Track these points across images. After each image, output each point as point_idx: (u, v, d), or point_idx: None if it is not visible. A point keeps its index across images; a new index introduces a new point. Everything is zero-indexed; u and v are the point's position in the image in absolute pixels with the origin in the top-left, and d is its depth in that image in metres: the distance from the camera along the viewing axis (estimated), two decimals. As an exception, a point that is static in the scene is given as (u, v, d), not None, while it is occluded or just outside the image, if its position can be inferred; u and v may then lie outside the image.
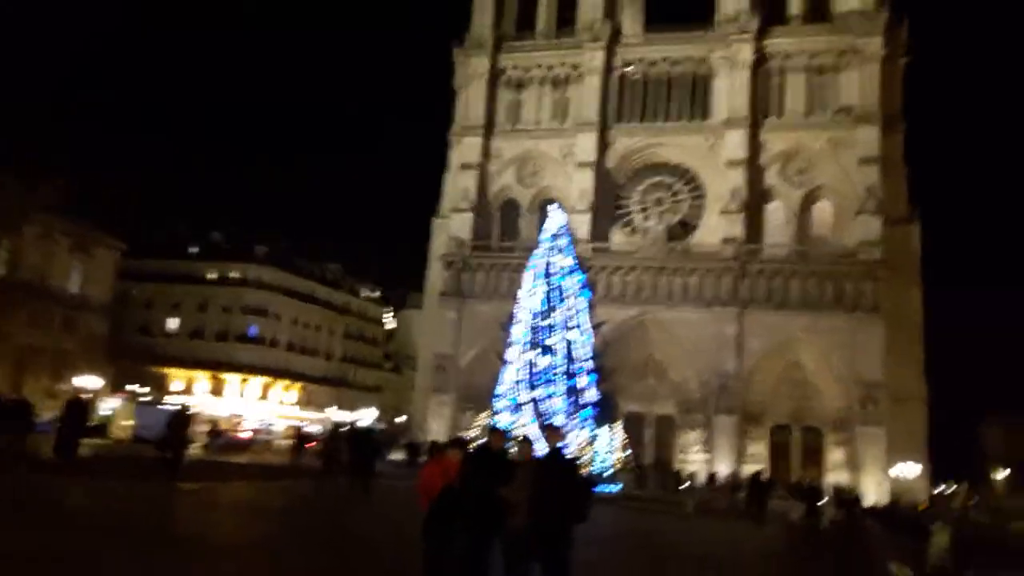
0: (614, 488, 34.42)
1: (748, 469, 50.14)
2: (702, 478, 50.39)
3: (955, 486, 60.47)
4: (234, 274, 77.21)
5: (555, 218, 46.47)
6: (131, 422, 45.72)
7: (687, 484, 43.04)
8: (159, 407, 47.73)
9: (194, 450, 41.92)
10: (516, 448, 9.10)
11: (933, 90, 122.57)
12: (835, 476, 49.31)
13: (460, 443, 9.54)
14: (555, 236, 45.96)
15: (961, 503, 50.48)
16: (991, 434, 78.21)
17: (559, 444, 8.75)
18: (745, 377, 52.67)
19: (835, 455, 50.83)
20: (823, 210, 55.96)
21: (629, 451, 43.01)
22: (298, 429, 50.93)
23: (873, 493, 46.98)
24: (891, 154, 54.52)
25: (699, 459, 53.30)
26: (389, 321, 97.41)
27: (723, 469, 51.36)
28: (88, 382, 47.07)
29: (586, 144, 60.48)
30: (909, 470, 47.96)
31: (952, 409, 61.06)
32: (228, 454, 36.60)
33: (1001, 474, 67.52)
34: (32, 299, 53.77)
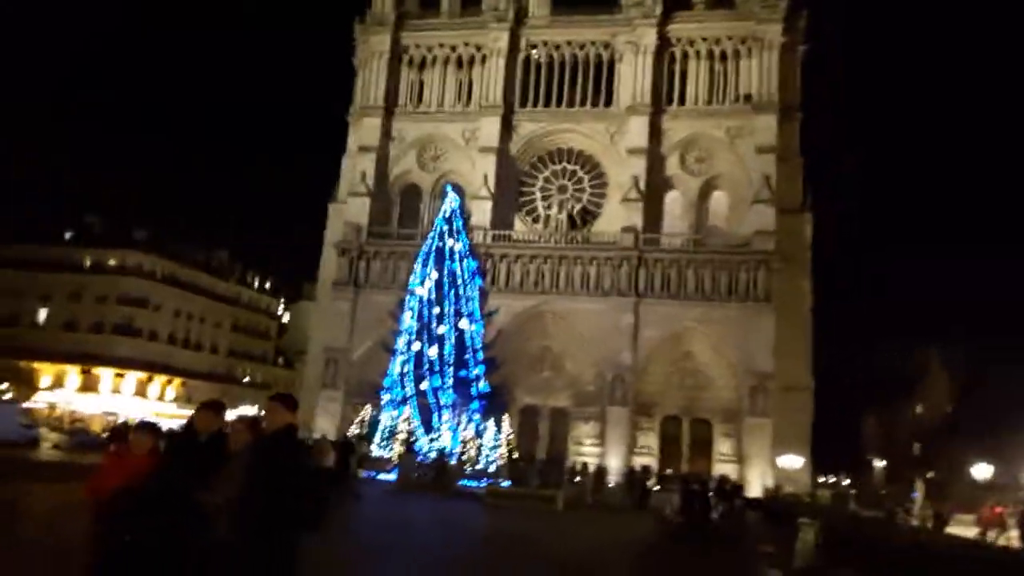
0: (482, 483, 35.54)
1: (639, 461, 52.69)
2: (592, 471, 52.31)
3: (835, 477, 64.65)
4: (111, 261, 75.20)
5: (449, 201, 47.64)
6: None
7: (576, 478, 44.78)
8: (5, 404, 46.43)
9: (46, 449, 41.19)
10: (232, 431, 6.94)
11: (829, 80, 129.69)
12: (722, 467, 52.10)
13: (150, 428, 7.53)
14: (448, 219, 47.20)
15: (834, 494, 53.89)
16: (870, 424, 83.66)
17: (287, 424, 6.35)
18: (639, 368, 55.01)
19: (723, 446, 53.70)
20: (720, 200, 59.06)
21: (511, 445, 44.29)
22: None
23: (758, 484, 49.91)
24: (788, 143, 58.02)
25: (593, 452, 55.30)
26: (282, 314, 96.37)
27: (614, 462, 53.49)
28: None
29: (490, 128, 61.89)
30: (793, 461, 51.14)
31: (836, 400, 65.23)
32: (81, 454, 35.92)
33: (879, 464, 72.69)
34: None
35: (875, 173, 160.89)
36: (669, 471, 51.43)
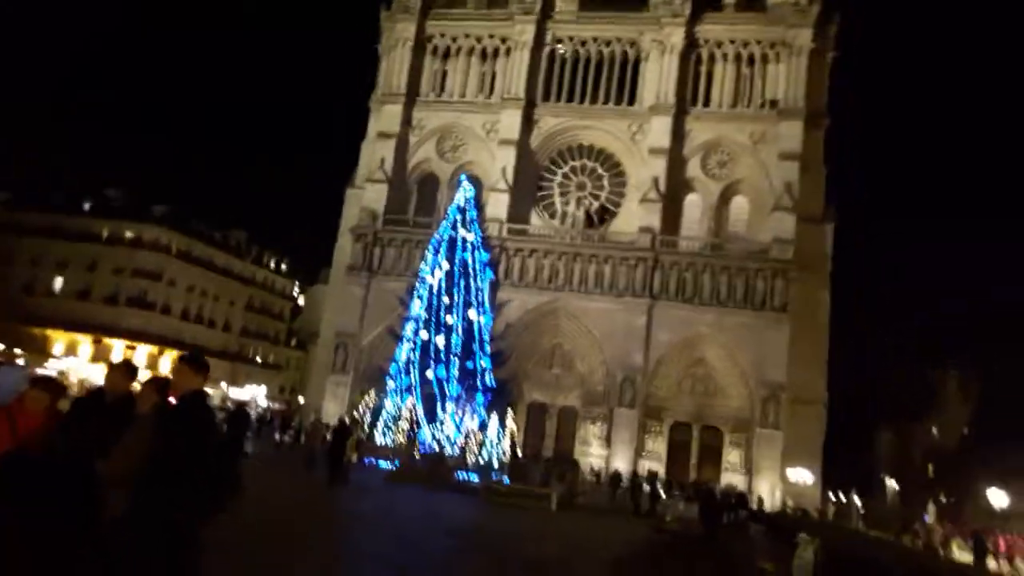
0: (479, 478, 34.87)
1: (646, 465, 51.87)
2: (600, 472, 51.60)
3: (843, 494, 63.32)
4: (128, 234, 75.30)
5: (464, 191, 47.03)
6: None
7: (578, 477, 44.04)
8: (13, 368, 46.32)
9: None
10: (140, 394, 6.06)
11: (857, 88, 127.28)
12: (731, 477, 51.24)
13: (46, 382, 6.64)
14: (462, 210, 46.61)
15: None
16: (884, 443, 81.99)
17: (194, 389, 5.56)
18: (650, 371, 54.19)
19: (732, 456, 52.77)
20: (740, 205, 58.01)
21: (515, 440, 43.63)
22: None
23: (767, 497, 48.94)
24: (812, 151, 56.84)
25: (599, 453, 54.63)
26: (298, 296, 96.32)
27: (621, 465, 52.72)
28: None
29: (510, 121, 61.23)
30: (804, 475, 50.07)
31: (849, 415, 63.84)
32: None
33: (891, 484, 71.11)
34: None
35: (899, 184, 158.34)
36: (663, 479, 50.39)
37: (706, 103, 59.02)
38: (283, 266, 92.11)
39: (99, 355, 71.80)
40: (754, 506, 44.40)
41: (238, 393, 73.61)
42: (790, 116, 56.33)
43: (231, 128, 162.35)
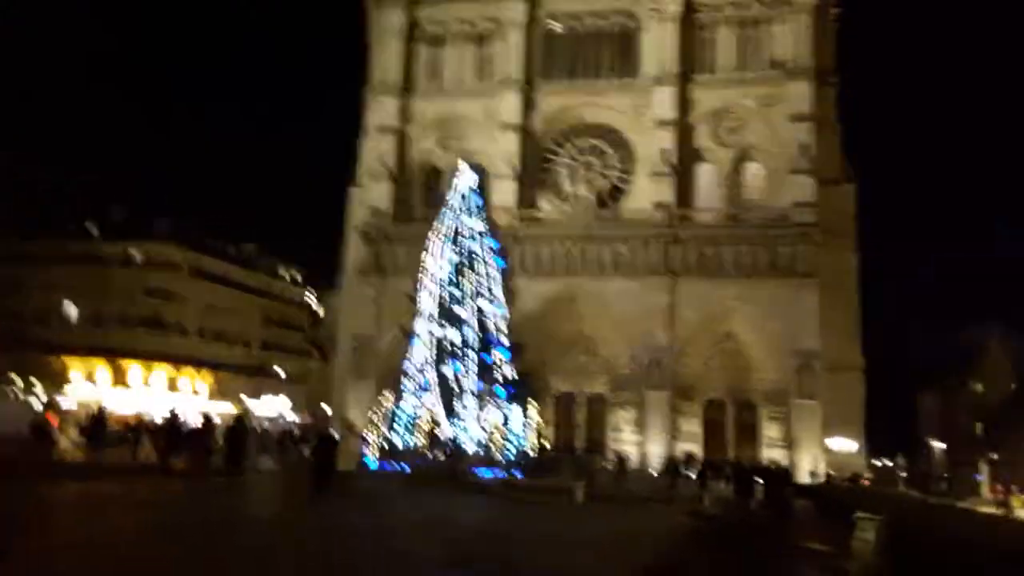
0: (495, 474, 33.11)
1: (683, 447, 49.90)
2: (634, 459, 49.71)
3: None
4: (136, 253, 74.38)
5: (465, 177, 45.12)
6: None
7: (606, 466, 42.19)
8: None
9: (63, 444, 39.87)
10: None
11: (867, 45, 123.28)
12: (771, 453, 49.03)
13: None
14: (465, 197, 44.72)
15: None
16: (927, 405, 79.11)
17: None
18: (677, 350, 52.16)
19: (770, 430, 50.63)
20: (754, 172, 55.61)
21: (542, 433, 41.81)
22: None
23: (809, 469, 46.77)
24: (824, 111, 54.38)
25: (632, 439, 52.66)
26: (315, 305, 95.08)
27: (656, 449, 50.84)
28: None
29: (510, 104, 59.20)
30: (846, 444, 47.87)
31: (889, 380, 61.28)
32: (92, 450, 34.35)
33: (938, 446, 68.50)
34: None
35: (922, 140, 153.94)
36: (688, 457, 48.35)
37: (710, 69, 56.58)
38: (298, 276, 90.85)
39: (117, 380, 71.05)
40: (801, 479, 42.35)
41: (261, 408, 72.50)
42: (798, 76, 53.76)
43: (217, 130, 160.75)
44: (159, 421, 36.24)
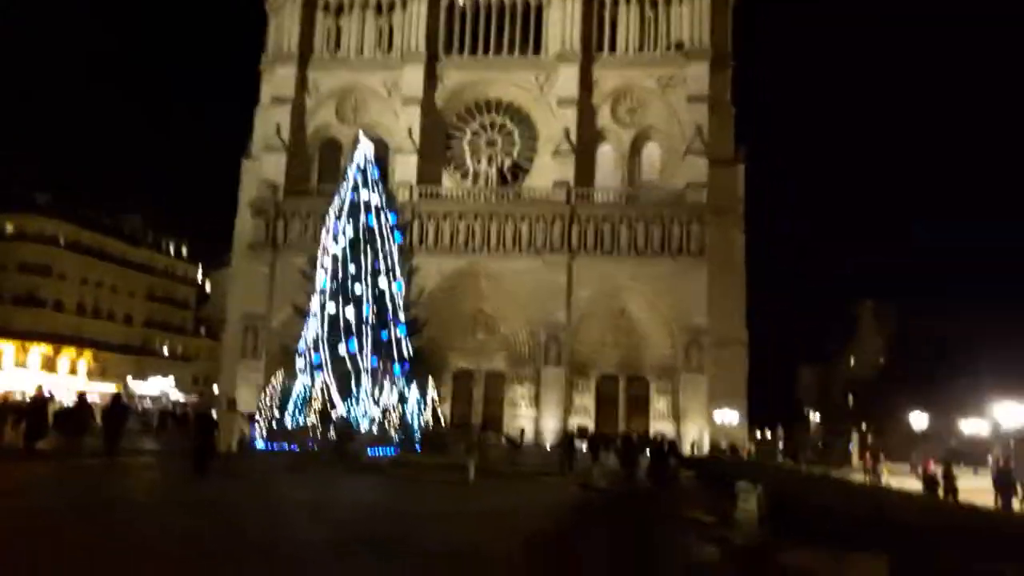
0: (389, 453, 32.88)
1: (576, 422, 50.88)
2: (529, 434, 50.38)
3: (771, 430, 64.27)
4: (9, 227, 69.29)
5: (363, 149, 44.00)
6: None
7: (501, 442, 42.55)
8: None
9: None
10: None
11: (761, 29, 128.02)
12: (660, 425, 50.70)
13: None
14: (363, 170, 43.66)
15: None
16: (805, 378, 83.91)
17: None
18: (574, 327, 52.92)
19: (659, 403, 52.28)
20: (652, 152, 56.89)
21: (439, 410, 41.72)
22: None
23: (694, 440, 48.58)
24: (720, 93, 55.86)
25: (528, 414, 53.34)
26: (203, 281, 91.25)
27: (551, 423, 51.62)
28: None
29: (413, 77, 58.26)
30: (730, 416, 49.92)
31: (771, 354, 64.47)
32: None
33: (815, 417, 72.86)
34: None
35: (812, 125, 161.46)
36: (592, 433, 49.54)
37: (612, 48, 57.30)
38: (184, 250, 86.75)
39: (-11, 360, 66.34)
40: (687, 451, 43.87)
41: (144, 388, 69.33)
42: (696, 58, 55.20)
43: (109, 103, 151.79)
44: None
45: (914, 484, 27.18)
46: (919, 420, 44.76)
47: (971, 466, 38.61)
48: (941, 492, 24.88)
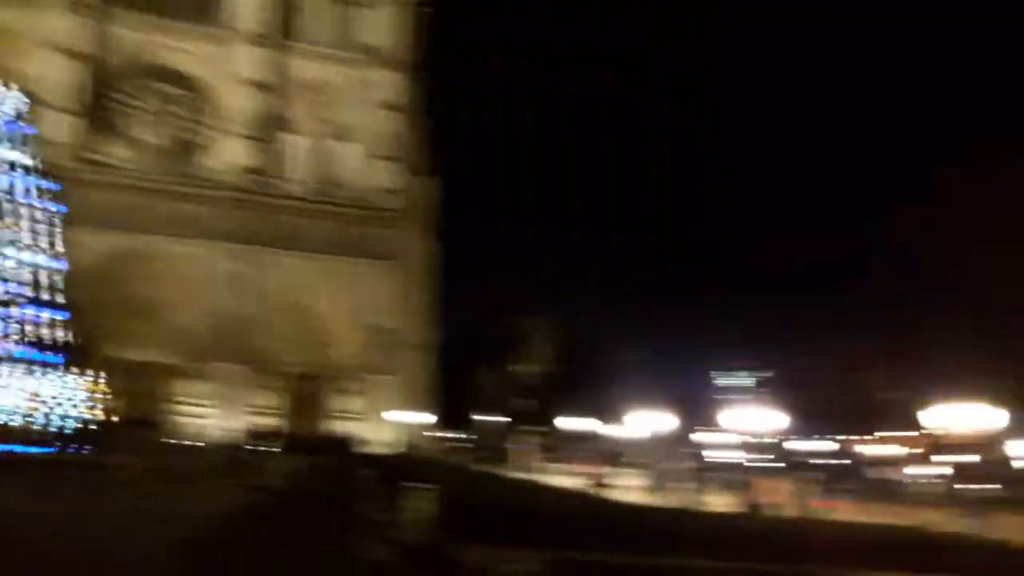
0: (37, 450, 28.72)
1: (259, 422, 48.30)
2: (207, 432, 46.72)
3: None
4: None
5: (10, 100, 37.48)
6: None
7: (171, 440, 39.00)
8: None
9: None
10: None
11: (467, 45, 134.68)
12: (349, 426, 49.90)
13: None
14: (10, 124, 37.27)
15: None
16: (486, 383, 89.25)
17: None
18: (258, 322, 50.14)
19: (347, 403, 51.65)
20: (347, 152, 55.65)
21: (91, 403, 36.96)
22: None
23: (384, 441, 48.56)
24: (415, 103, 56.36)
25: (204, 412, 49.42)
26: None
27: (228, 423, 48.32)
28: None
29: (69, 24, 50.35)
30: (419, 417, 50.86)
31: (458, 359, 67.19)
32: None
33: (494, 420, 77.46)
34: None
35: (509, 141, 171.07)
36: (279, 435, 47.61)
37: (307, 39, 54.97)
38: None
39: None
40: (373, 451, 43.63)
41: None
42: (388, 65, 55.00)
43: None
44: None
45: (577, 481, 29.67)
46: (580, 424, 49.32)
47: (636, 468, 42.20)
48: (598, 489, 27.35)
